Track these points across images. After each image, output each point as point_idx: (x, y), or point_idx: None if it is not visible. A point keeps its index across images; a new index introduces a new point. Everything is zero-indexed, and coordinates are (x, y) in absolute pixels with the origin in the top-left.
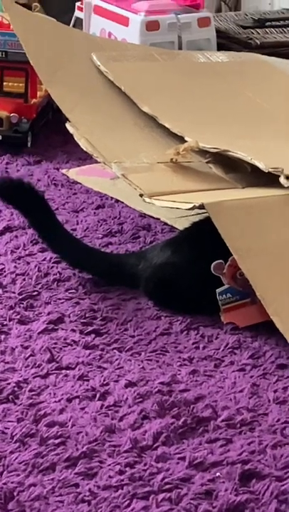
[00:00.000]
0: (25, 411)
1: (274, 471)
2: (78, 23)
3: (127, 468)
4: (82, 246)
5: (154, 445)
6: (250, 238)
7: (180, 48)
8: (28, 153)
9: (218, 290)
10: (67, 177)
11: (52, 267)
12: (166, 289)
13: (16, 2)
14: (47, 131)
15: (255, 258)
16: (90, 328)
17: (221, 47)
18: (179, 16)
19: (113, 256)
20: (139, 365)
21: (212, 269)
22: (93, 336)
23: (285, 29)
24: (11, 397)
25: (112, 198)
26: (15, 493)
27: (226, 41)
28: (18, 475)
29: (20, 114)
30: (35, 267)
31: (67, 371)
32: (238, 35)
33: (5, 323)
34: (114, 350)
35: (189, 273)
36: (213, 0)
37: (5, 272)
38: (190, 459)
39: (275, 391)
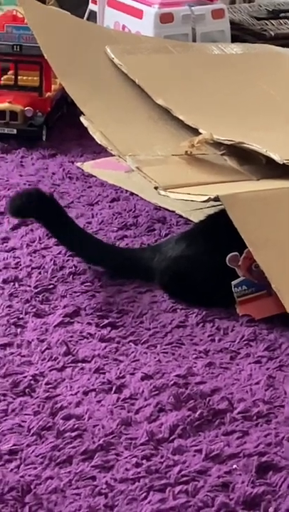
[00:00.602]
0: (41, 404)
1: None
2: (92, 16)
3: (144, 461)
4: (96, 242)
5: (171, 438)
6: (265, 230)
7: (194, 40)
8: (43, 147)
9: (233, 282)
10: (82, 170)
11: (67, 260)
12: (182, 282)
13: None
14: (62, 125)
15: (270, 250)
16: (105, 321)
17: (235, 38)
18: (193, 7)
19: (128, 250)
20: (155, 357)
21: (227, 261)
22: (109, 328)
23: None
24: (27, 390)
25: (126, 190)
26: (32, 486)
27: (240, 33)
28: (35, 468)
29: (35, 107)
30: (51, 260)
31: (84, 364)
32: (252, 26)
33: (21, 316)
34: (130, 343)
35: (204, 266)
36: None
37: (21, 265)
38: (206, 452)
39: None
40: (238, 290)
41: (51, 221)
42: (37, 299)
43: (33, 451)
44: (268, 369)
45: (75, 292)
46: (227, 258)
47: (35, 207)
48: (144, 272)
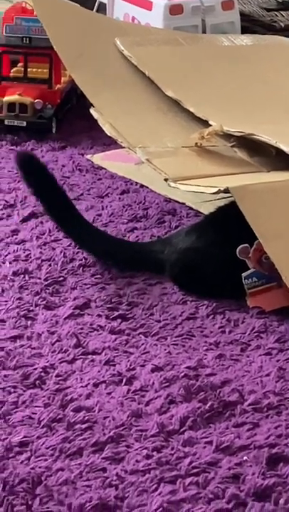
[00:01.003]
0: (52, 396)
1: None
2: (102, 8)
3: (154, 453)
4: (105, 236)
5: (181, 429)
6: (276, 222)
7: (204, 32)
8: (53, 139)
9: (243, 274)
10: (92, 162)
11: (77, 252)
12: (191, 274)
13: None
14: (71, 117)
15: (281, 242)
16: (116, 313)
17: (245, 30)
18: None
19: (137, 244)
20: (165, 349)
21: (237, 253)
22: (119, 320)
23: None
24: (37, 382)
25: (136, 183)
26: (42, 478)
27: (249, 24)
28: (46, 460)
29: (45, 100)
30: (61, 252)
31: (94, 356)
32: (262, 17)
33: (31, 308)
34: (141, 335)
35: (215, 257)
36: None
37: (31, 257)
38: (217, 443)
39: None
40: (248, 282)
41: (60, 216)
42: (47, 291)
43: (43, 443)
44: (278, 361)
45: (85, 284)
46: (237, 250)
47: (44, 186)
48: (154, 265)
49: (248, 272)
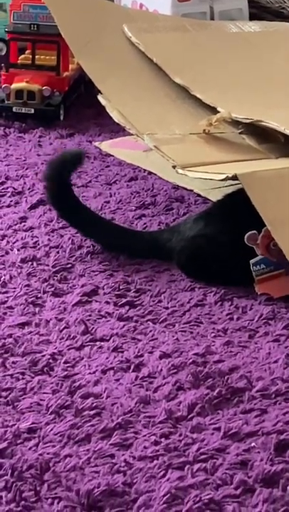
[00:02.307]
0: (60, 383)
1: None
2: None
3: (162, 439)
4: (114, 228)
5: (189, 416)
6: (284, 208)
7: (212, 19)
8: (61, 127)
9: (252, 261)
10: (100, 150)
11: (85, 239)
12: (199, 261)
13: None
14: (79, 104)
15: None
16: (123, 300)
17: (253, 16)
18: None
19: (146, 233)
20: (173, 336)
21: (246, 239)
22: (127, 307)
23: None
24: (46, 369)
25: (144, 170)
26: (51, 464)
27: (257, 11)
28: (54, 446)
29: (53, 87)
30: (69, 239)
31: (102, 343)
32: (270, 4)
33: (39, 295)
34: (148, 322)
35: (223, 245)
36: None
37: (39, 244)
38: (225, 430)
39: None
40: (256, 269)
41: (66, 209)
42: (55, 278)
43: (51, 430)
44: (286, 347)
45: (93, 271)
46: (245, 236)
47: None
48: (163, 253)
49: (256, 258)
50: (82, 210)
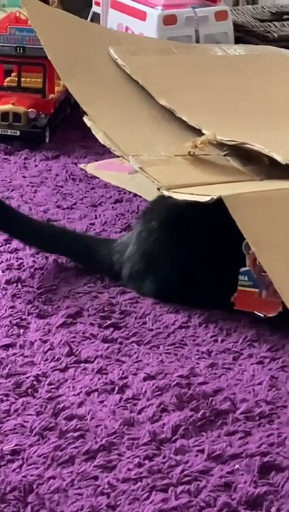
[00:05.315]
0: (44, 404)
1: None
2: (96, 18)
3: (146, 461)
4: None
5: (173, 438)
6: (268, 231)
7: (197, 42)
8: (47, 149)
9: (241, 269)
10: (86, 171)
11: (70, 261)
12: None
13: None
14: (65, 126)
15: (274, 251)
16: (108, 322)
17: (238, 40)
18: (196, 9)
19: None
20: (157, 358)
21: (243, 247)
22: (112, 329)
23: None
24: (30, 390)
25: (130, 192)
26: (34, 486)
27: (243, 34)
28: (38, 468)
29: (39, 109)
30: (54, 261)
31: (86, 364)
32: (256, 28)
33: (24, 317)
34: (133, 344)
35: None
36: None
37: (24, 266)
38: (209, 452)
39: None
40: (241, 278)
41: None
42: (40, 299)
43: (35, 452)
44: (270, 369)
45: (78, 293)
46: (243, 244)
47: None
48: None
49: (245, 268)
50: (17, 217)
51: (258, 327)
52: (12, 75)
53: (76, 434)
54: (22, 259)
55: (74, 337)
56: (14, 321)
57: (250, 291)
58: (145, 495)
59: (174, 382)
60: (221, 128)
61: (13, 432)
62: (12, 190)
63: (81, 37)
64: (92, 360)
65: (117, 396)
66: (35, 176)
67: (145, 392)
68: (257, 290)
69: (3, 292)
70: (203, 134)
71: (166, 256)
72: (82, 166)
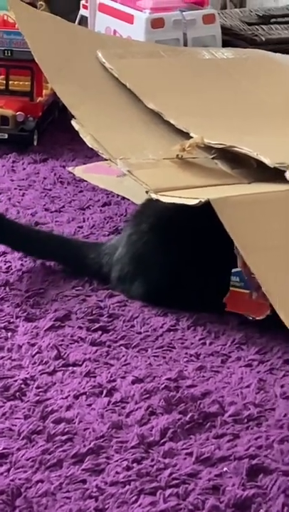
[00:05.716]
0: (32, 408)
1: (281, 465)
2: (83, 21)
3: (134, 464)
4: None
5: (161, 441)
6: (256, 234)
7: (185, 45)
8: (35, 152)
9: (233, 270)
10: (74, 175)
11: (58, 264)
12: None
13: (21, 0)
14: (53, 130)
15: (262, 253)
16: (96, 325)
17: (226, 43)
18: (184, 13)
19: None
20: (146, 361)
21: (235, 248)
22: (100, 332)
23: None
24: (18, 394)
25: (118, 195)
26: (22, 490)
27: (231, 38)
28: (26, 471)
29: (26, 112)
30: (42, 264)
31: (74, 368)
32: (243, 31)
33: (12, 320)
34: (121, 347)
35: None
36: None
37: (12, 269)
38: (197, 455)
39: (282, 386)
40: (232, 279)
41: None
42: (28, 303)
43: (23, 455)
44: (258, 372)
45: (66, 296)
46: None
47: None
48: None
49: (237, 269)
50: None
51: (247, 330)
52: (0, 78)
53: (64, 438)
54: (10, 262)
55: (62, 340)
56: (2, 325)
57: (241, 292)
58: (133, 498)
59: (163, 385)
60: (209, 131)
61: (1, 435)
62: (0, 194)
63: (69, 40)
64: (80, 363)
65: (106, 399)
66: (23, 179)
67: (133, 395)
68: (248, 291)
69: None
70: (191, 137)
71: (156, 259)
72: (70, 169)
